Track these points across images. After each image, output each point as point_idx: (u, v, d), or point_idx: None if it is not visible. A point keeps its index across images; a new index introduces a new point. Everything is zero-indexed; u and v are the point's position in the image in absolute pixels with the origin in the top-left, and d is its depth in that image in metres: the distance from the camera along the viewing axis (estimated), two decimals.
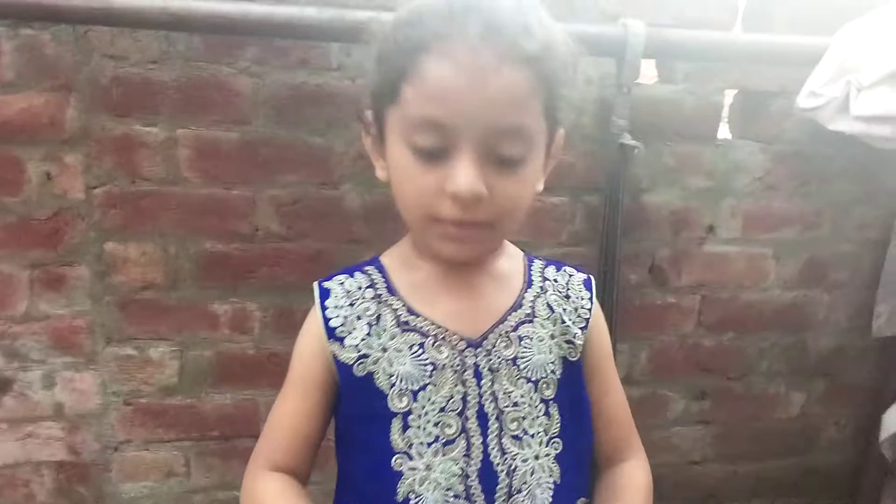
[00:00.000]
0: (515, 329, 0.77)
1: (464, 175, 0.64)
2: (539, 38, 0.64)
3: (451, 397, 0.74)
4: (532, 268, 0.83)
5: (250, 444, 1.42)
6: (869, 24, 1.26)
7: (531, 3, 0.67)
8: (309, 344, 0.79)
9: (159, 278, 1.35)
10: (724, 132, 1.49)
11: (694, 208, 1.49)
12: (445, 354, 0.74)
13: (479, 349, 0.75)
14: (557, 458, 0.76)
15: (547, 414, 0.76)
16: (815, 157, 1.50)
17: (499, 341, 0.76)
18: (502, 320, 0.77)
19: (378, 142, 0.74)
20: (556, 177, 1.38)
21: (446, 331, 0.75)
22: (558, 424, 0.77)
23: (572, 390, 0.79)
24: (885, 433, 1.53)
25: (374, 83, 0.71)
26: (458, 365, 0.74)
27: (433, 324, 0.76)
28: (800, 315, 1.61)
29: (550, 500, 0.75)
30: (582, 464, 0.81)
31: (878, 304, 1.56)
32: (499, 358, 0.75)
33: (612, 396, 0.85)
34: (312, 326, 0.79)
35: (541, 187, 0.75)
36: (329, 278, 0.81)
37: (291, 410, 0.79)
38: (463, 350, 0.75)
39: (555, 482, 0.75)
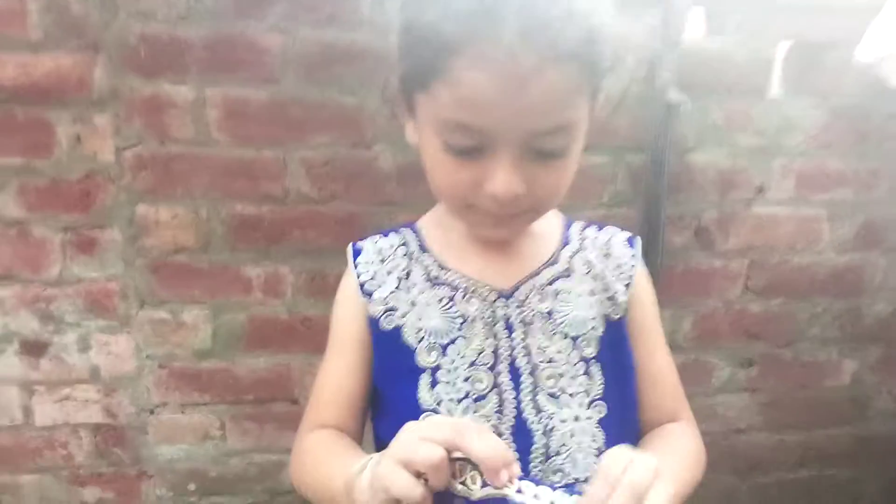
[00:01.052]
0: (551, 283, 0.74)
1: (502, 178, 0.61)
2: (583, 24, 0.56)
3: (482, 350, 0.71)
4: (570, 228, 0.80)
5: (284, 409, 1.46)
6: None
7: None
8: (344, 302, 0.78)
9: (191, 241, 1.33)
10: (776, 87, 1.41)
11: (743, 168, 1.42)
12: (475, 306, 0.72)
13: (510, 300, 0.72)
14: (601, 422, 0.71)
15: (587, 374, 0.72)
16: (873, 113, 1.41)
17: (532, 294, 0.73)
18: (535, 273, 0.74)
19: (406, 109, 0.69)
20: (597, 135, 1.33)
21: (477, 282, 0.73)
22: (601, 386, 0.72)
23: (616, 351, 0.75)
24: None
25: (402, 65, 0.64)
26: (488, 317, 0.72)
27: (463, 276, 0.73)
28: (854, 279, 1.53)
29: (594, 464, 0.69)
30: (629, 432, 0.75)
31: None
32: (532, 311, 0.72)
33: (658, 359, 0.80)
34: (347, 285, 0.78)
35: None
36: (362, 239, 0.80)
37: (332, 370, 0.78)
38: (493, 301, 0.72)
39: (599, 449, 0.71)
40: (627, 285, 0.77)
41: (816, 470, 1.69)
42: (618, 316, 0.75)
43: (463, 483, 0.55)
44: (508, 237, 0.73)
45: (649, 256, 1.28)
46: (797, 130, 1.41)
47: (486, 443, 0.54)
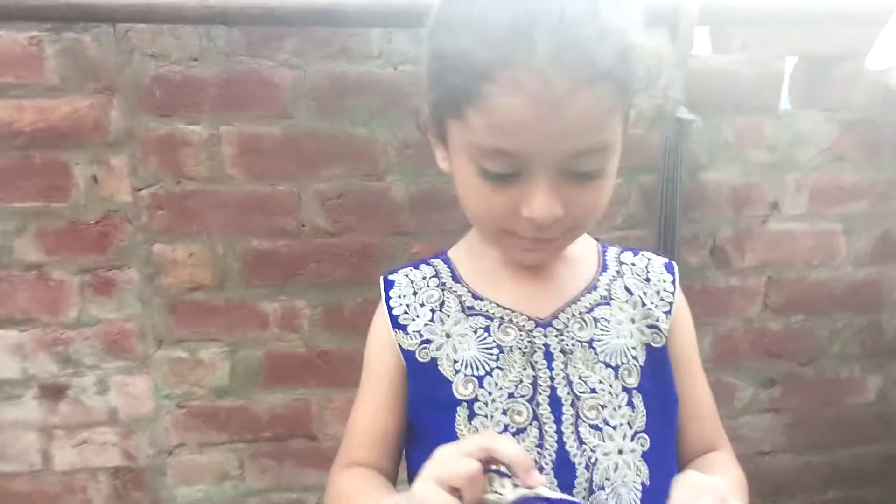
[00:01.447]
0: (590, 310, 0.72)
1: (540, 201, 0.60)
2: (616, 43, 0.55)
3: (520, 381, 0.69)
4: (606, 253, 0.79)
5: (303, 445, 1.44)
6: None
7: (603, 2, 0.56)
8: (377, 336, 0.77)
9: (207, 279, 1.33)
10: (785, 102, 1.41)
11: (756, 184, 1.41)
12: (512, 336, 0.70)
13: (548, 328, 0.71)
14: (645, 456, 0.69)
15: (630, 404, 0.70)
16: (885, 123, 1.41)
17: (571, 322, 0.71)
18: (575, 301, 0.73)
19: (439, 137, 0.68)
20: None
21: (512, 312, 0.71)
22: (644, 418, 0.70)
23: (658, 381, 0.73)
24: None
25: (433, 92, 0.63)
26: (526, 346, 0.70)
27: (499, 306, 0.72)
28: (874, 293, 1.52)
29: (639, 502, 0.68)
30: (671, 466, 0.73)
31: None
32: (572, 339, 0.70)
33: (699, 389, 0.78)
34: (379, 319, 0.77)
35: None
36: (394, 271, 0.79)
37: (365, 407, 0.77)
38: (531, 330, 0.70)
39: (643, 483, 0.68)
40: (668, 312, 0.75)
41: (844, 491, 1.65)
42: (660, 344, 0.73)
43: (494, 491, 0.54)
44: (545, 261, 0.72)
45: None
46: (809, 144, 1.41)
47: (514, 446, 0.54)
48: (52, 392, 1.35)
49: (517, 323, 0.71)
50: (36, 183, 1.25)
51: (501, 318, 0.71)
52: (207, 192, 1.29)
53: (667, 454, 0.73)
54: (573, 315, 0.72)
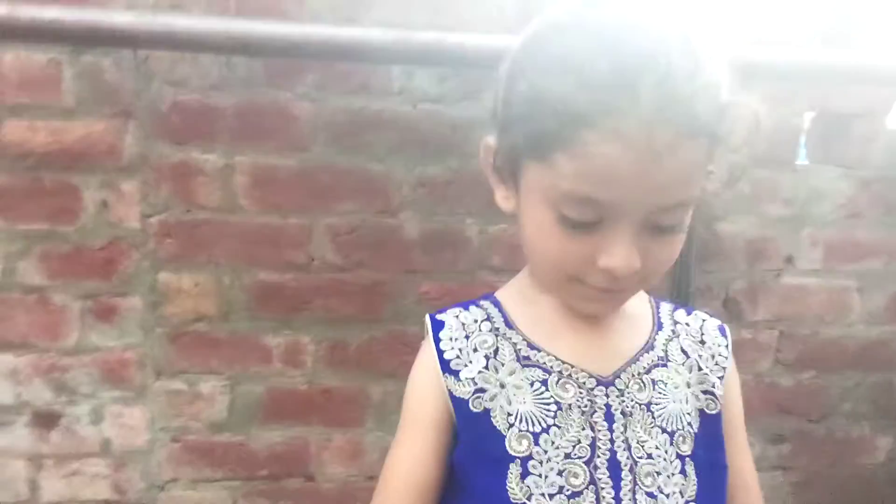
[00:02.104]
0: (649, 371, 0.69)
1: (621, 253, 0.58)
2: (715, 98, 0.55)
3: (579, 442, 0.65)
4: (660, 310, 0.76)
5: (300, 485, 1.40)
6: None
7: (703, 48, 0.55)
8: (423, 379, 0.72)
9: (212, 310, 1.31)
10: (802, 157, 1.41)
11: (771, 237, 1.41)
12: (572, 393, 0.67)
13: (609, 388, 0.67)
14: None
15: (683, 472, 0.67)
16: None
17: (632, 382, 0.68)
18: (635, 360, 0.69)
19: (507, 177, 0.66)
20: None
21: (572, 367, 0.68)
22: (695, 487, 0.67)
23: (710, 449, 0.69)
24: None
25: (514, 132, 0.61)
26: (586, 405, 0.66)
27: (557, 359, 0.68)
28: (886, 352, 1.50)
29: None
30: None
31: None
32: (632, 401, 0.67)
33: (746, 458, 0.75)
34: (426, 360, 0.71)
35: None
36: (442, 311, 0.74)
37: (405, 454, 0.71)
38: (592, 389, 0.67)
39: None
40: (721, 377, 0.72)
41: None
42: (714, 411, 0.70)
43: None
44: (608, 313, 0.69)
45: None
46: (825, 200, 1.40)
47: None
48: (45, 420, 1.31)
49: (577, 379, 0.67)
50: (44, 205, 1.23)
51: (560, 372, 0.68)
52: (218, 221, 1.27)
53: None
54: (633, 375, 0.68)
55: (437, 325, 0.72)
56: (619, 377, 0.68)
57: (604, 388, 0.67)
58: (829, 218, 1.41)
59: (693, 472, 0.67)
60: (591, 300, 0.64)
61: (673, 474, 0.66)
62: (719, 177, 0.62)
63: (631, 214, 0.57)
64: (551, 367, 0.68)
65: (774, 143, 1.36)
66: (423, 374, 0.71)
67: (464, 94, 1.27)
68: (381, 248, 1.32)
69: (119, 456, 1.35)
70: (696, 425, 0.69)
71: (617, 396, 0.67)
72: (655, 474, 0.65)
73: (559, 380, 0.67)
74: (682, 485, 0.66)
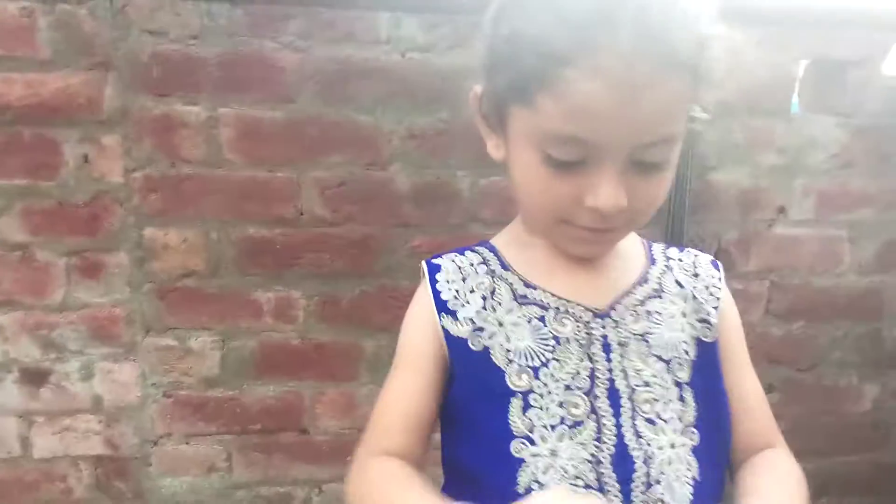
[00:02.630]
0: (643, 303, 0.70)
1: (606, 190, 0.58)
2: (695, 32, 0.55)
3: (578, 373, 0.67)
4: (653, 248, 0.77)
5: (294, 438, 1.41)
6: None
7: None
8: (418, 319, 0.73)
9: (200, 265, 1.29)
10: (794, 106, 1.39)
11: (764, 188, 1.40)
12: (569, 327, 0.68)
13: (606, 319, 0.69)
14: (694, 451, 0.67)
15: (681, 399, 0.68)
16: (895, 132, 1.39)
17: (627, 313, 0.69)
18: (629, 292, 0.71)
19: (495, 125, 0.67)
20: None
21: (568, 302, 0.69)
22: (694, 413, 0.68)
23: (708, 376, 0.71)
24: None
25: (499, 77, 0.62)
26: (583, 338, 0.68)
27: (553, 295, 0.69)
28: (876, 302, 1.51)
29: (691, 497, 0.66)
30: (720, 463, 0.71)
31: None
32: (627, 331, 0.69)
33: (748, 384, 0.76)
34: (422, 302, 0.73)
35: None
36: (437, 256, 0.75)
37: (401, 390, 0.73)
38: (588, 322, 0.68)
39: (694, 479, 0.67)
40: (716, 307, 0.74)
41: (837, 498, 1.64)
42: (710, 339, 0.72)
43: None
44: (600, 255, 0.70)
45: None
46: (819, 149, 1.39)
47: None
48: (34, 377, 1.30)
49: (574, 313, 0.69)
50: (23, 160, 1.20)
51: (557, 308, 0.69)
52: (203, 175, 1.25)
53: (715, 449, 0.71)
54: (628, 307, 0.70)
55: (434, 268, 0.73)
56: (614, 309, 0.69)
57: (600, 321, 0.69)
58: (822, 167, 1.40)
59: (691, 398, 0.69)
60: (582, 241, 0.65)
61: (671, 401, 0.68)
62: (704, 114, 0.61)
63: (615, 152, 0.57)
64: (548, 303, 0.69)
65: (768, 92, 1.34)
66: (419, 314, 0.73)
67: (454, 43, 1.24)
68: (371, 201, 1.30)
69: (111, 412, 1.35)
70: (692, 353, 0.70)
71: (613, 328, 0.68)
72: (653, 401, 0.67)
73: (556, 315, 0.68)
74: (681, 410, 0.68)
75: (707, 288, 0.75)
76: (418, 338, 0.73)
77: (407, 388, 0.72)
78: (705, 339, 0.72)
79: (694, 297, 0.73)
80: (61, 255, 1.25)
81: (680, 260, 0.76)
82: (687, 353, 0.70)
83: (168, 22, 1.17)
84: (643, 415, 0.67)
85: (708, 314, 0.72)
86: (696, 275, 0.75)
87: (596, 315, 0.69)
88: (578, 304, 0.69)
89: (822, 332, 1.51)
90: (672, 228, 1.27)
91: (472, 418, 0.70)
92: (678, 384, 0.68)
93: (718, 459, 0.71)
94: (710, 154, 1.35)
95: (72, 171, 1.22)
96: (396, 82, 1.24)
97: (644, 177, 0.60)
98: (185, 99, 1.21)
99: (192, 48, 1.19)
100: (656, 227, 1.34)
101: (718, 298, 0.74)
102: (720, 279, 0.76)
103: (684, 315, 0.72)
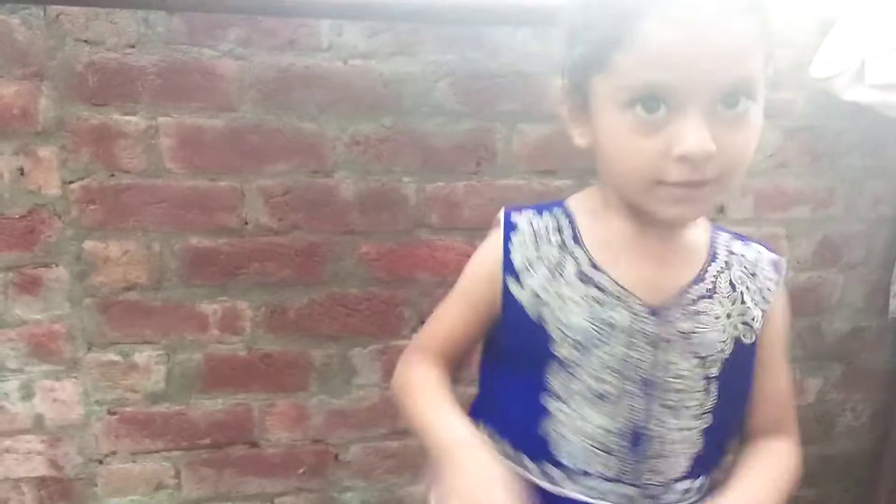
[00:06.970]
0: (694, 303, 0.74)
1: (693, 136, 0.61)
2: None
3: (616, 356, 0.72)
4: (717, 240, 0.79)
5: (244, 452, 1.39)
6: None
7: None
8: (484, 268, 0.79)
9: (143, 278, 1.27)
10: None
11: None
12: (622, 316, 0.72)
13: (656, 317, 0.73)
14: (704, 431, 0.75)
15: (706, 390, 0.75)
16: (827, 131, 1.44)
17: (678, 313, 0.73)
18: (683, 291, 0.74)
19: (580, 109, 0.71)
20: (559, 159, 1.33)
21: (627, 292, 0.73)
22: (714, 401, 0.75)
23: (737, 373, 0.76)
24: None
25: (576, 52, 0.67)
26: (632, 329, 0.72)
27: (615, 282, 0.73)
28: (814, 297, 1.55)
29: (686, 469, 0.75)
30: (726, 437, 0.80)
31: (895, 283, 1.52)
32: (675, 330, 0.73)
33: (779, 381, 0.82)
34: (492, 253, 0.78)
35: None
36: (518, 210, 0.79)
37: (455, 313, 0.82)
38: (640, 315, 0.73)
39: (696, 454, 0.75)
40: (765, 311, 0.77)
41: None
42: (749, 340, 0.76)
43: None
44: (696, 216, 0.74)
45: None
46: (755, 150, 1.42)
47: None
48: None
49: (629, 304, 0.73)
50: None
51: (616, 295, 0.73)
52: (144, 186, 1.23)
53: (723, 428, 0.78)
54: (680, 307, 0.74)
55: (510, 227, 0.78)
56: (666, 308, 0.73)
57: (652, 318, 0.73)
58: (759, 168, 1.44)
59: (715, 389, 0.75)
60: (675, 201, 0.66)
61: (696, 391, 0.74)
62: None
63: (694, 97, 0.61)
64: (608, 288, 0.73)
65: None
66: (486, 263, 0.79)
67: (396, 49, 1.24)
68: (317, 209, 1.29)
69: (53, 431, 1.31)
70: (728, 351, 0.75)
71: (662, 325, 0.73)
72: (680, 391, 0.74)
73: (613, 301, 0.73)
74: (703, 399, 0.75)
75: (760, 290, 0.78)
76: (480, 281, 0.80)
77: (460, 317, 0.82)
78: (745, 340, 0.76)
79: (743, 301, 0.76)
80: None
81: (743, 255, 0.79)
82: (723, 351, 0.74)
83: (104, 31, 1.15)
84: (668, 402, 0.73)
85: (753, 318, 0.76)
86: (753, 274, 0.78)
87: (649, 311, 0.73)
88: (635, 297, 0.73)
89: None
90: None
91: (513, 361, 0.78)
92: (707, 378, 0.74)
93: (725, 435, 0.79)
94: None
95: (7, 184, 1.18)
96: (339, 89, 1.24)
97: (729, 128, 0.63)
98: (123, 108, 1.19)
99: (129, 57, 1.17)
100: None
101: (769, 301, 0.78)
102: (777, 283, 0.79)
103: (729, 316, 0.75)
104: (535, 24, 1.22)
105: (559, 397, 0.74)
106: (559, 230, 0.77)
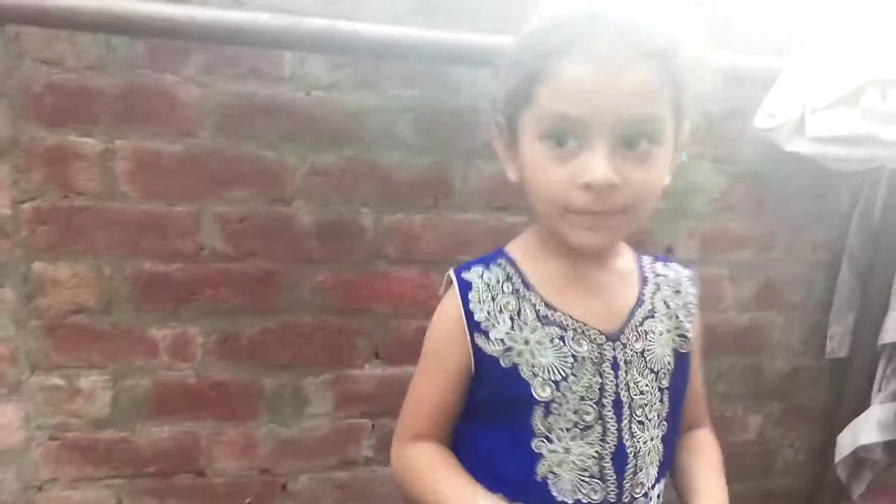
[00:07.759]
0: (642, 324, 0.82)
1: (597, 166, 0.68)
2: (667, 34, 0.68)
3: (590, 387, 0.78)
4: (643, 265, 0.88)
5: (189, 481, 1.36)
6: (823, 46, 1.28)
7: (659, 2, 0.70)
8: (448, 329, 0.82)
9: (92, 301, 1.25)
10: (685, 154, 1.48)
11: (653, 229, 1.47)
12: (585, 347, 0.79)
13: (616, 343, 0.80)
14: (663, 438, 0.83)
15: (662, 401, 0.83)
16: (771, 178, 1.50)
17: (631, 335, 0.81)
18: (631, 315, 0.82)
19: (510, 144, 0.78)
20: (511, 196, 1.36)
21: (584, 325, 0.80)
22: (667, 409, 0.83)
23: (681, 379, 0.86)
24: (839, 455, 1.53)
25: (507, 88, 0.74)
26: (596, 357, 0.79)
27: (571, 318, 0.80)
28: (756, 337, 1.60)
29: (655, 475, 0.82)
30: (675, 439, 0.88)
31: (831, 326, 1.58)
32: (631, 351, 0.81)
33: (697, 377, 0.93)
34: (453, 313, 0.81)
35: (667, 181, 0.78)
36: (466, 268, 0.83)
37: (431, 386, 0.84)
38: (601, 344, 0.80)
39: (660, 460, 0.82)
40: (692, 322, 0.87)
41: None
42: (686, 350, 0.86)
43: None
44: (600, 245, 0.77)
45: None
46: (702, 193, 1.48)
47: None
48: None
49: (589, 335, 0.79)
50: None
51: (575, 329, 0.79)
52: (98, 208, 1.21)
53: (673, 431, 0.86)
54: (632, 329, 0.82)
55: (465, 285, 0.81)
56: (623, 333, 0.81)
57: (611, 343, 0.80)
58: (704, 211, 1.49)
59: (667, 399, 0.83)
60: (583, 228, 0.73)
61: (655, 403, 0.82)
62: (690, 127, 0.75)
63: (600, 131, 0.68)
64: (567, 324, 0.79)
65: None
66: (450, 326, 0.82)
67: (358, 82, 1.26)
68: (274, 237, 1.29)
69: None
70: (672, 363, 0.84)
71: (621, 349, 0.80)
72: (645, 405, 0.81)
73: (574, 335, 0.79)
74: (660, 409, 0.83)
75: (685, 305, 0.87)
76: (447, 344, 0.82)
77: (437, 387, 0.84)
78: (682, 350, 0.86)
79: (676, 316, 0.86)
80: None
81: (665, 276, 0.88)
82: (669, 363, 0.84)
83: (64, 51, 1.15)
84: (636, 418, 0.80)
85: (686, 330, 0.86)
86: (677, 292, 0.87)
87: (608, 338, 0.80)
88: (593, 328, 0.80)
89: (708, 365, 1.57)
90: None
91: (496, 418, 0.81)
92: (661, 389, 0.83)
93: (674, 437, 0.88)
94: None
95: None
96: (301, 119, 1.25)
97: (632, 165, 0.69)
98: (80, 130, 1.18)
99: (88, 79, 1.16)
100: None
101: (692, 313, 0.88)
102: (695, 296, 0.89)
103: (668, 331, 0.85)
104: (496, 65, 1.25)
105: (547, 438, 0.78)
106: (509, 278, 0.82)
